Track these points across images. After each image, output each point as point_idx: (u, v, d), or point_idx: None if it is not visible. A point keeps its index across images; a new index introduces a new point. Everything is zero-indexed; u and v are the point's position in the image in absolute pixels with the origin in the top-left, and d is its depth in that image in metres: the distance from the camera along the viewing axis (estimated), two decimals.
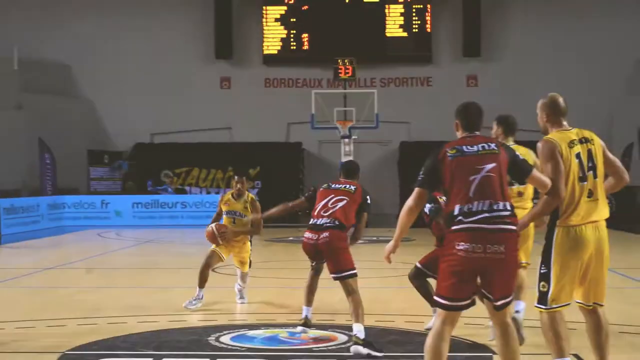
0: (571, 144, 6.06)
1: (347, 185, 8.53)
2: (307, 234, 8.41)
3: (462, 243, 5.48)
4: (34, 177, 29.24)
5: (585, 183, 6.03)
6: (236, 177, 11.26)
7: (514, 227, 5.59)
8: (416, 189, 5.80)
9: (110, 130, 33.40)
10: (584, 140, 6.12)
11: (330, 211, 8.39)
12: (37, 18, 32.89)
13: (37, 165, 29.18)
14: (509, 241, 5.53)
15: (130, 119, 32.60)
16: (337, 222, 8.35)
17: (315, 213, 8.47)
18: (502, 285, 5.61)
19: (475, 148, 5.74)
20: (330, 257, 8.30)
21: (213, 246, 10.67)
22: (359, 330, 7.93)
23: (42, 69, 32.65)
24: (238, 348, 8.11)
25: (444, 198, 7.99)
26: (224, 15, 33.28)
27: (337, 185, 8.64)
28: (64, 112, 31.99)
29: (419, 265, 8.89)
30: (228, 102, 32.97)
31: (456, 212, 5.56)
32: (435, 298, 5.68)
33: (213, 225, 10.63)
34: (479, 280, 5.58)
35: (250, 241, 11.34)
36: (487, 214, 5.52)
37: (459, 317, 5.68)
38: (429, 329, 8.76)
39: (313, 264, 8.61)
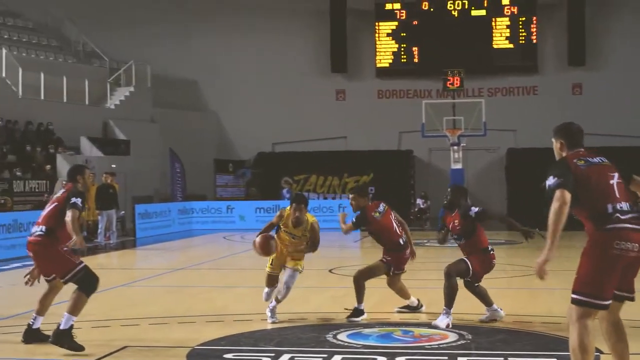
0: None
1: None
2: None
3: (623, 242, 5.36)
4: (166, 185, 29.94)
5: None
6: (294, 205, 9.44)
7: None
8: (560, 191, 5.45)
9: (235, 140, 33.96)
10: None
11: None
12: (167, 40, 33.73)
13: (169, 174, 29.87)
14: None
15: (252, 129, 33.07)
16: None
17: None
18: (633, 281, 5.61)
19: (596, 159, 5.69)
20: None
21: (268, 268, 9.64)
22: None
23: (172, 85, 33.48)
24: (354, 345, 8.10)
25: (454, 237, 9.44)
26: (339, 31, 33.45)
27: None
28: (192, 125, 32.70)
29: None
30: (343, 113, 33.10)
31: (610, 210, 5.43)
32: (581, 297, 5.42)
33: (259, 237, 9.25)
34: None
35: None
36: (631, 215, 5.46)
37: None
38: (483, 321, 9.12)
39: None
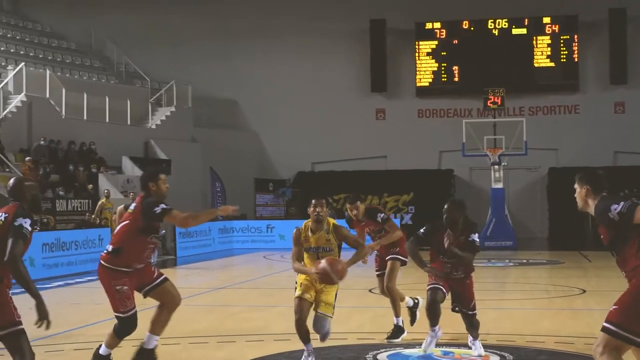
0: None
1: None
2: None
3: None
4: (206, 204, 30.09)
5: None
6: (314, 201, 8.05)
7: None
8: None
9: (275, 159, 34.08)
10: None
11: None
12: (208, 60, 34.03)
13: (209, 193, 30.03)
14: None
15: (292, 149, 33.17)
16: None
17: None
18: None
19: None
20: None
21: (297, 292, 7.93)
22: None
23: (213, 105, 33.73)
24: None
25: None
26: (379, 51, 33.51)
27: None
28: (233, 144, 32.88)
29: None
30: (383, 132, 33.10)
31: None
32: (617, 329, 5.24)
33: (324, 261, 7.63)
34: None
35: None
36: None
37: None
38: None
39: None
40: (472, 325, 8.46)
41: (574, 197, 5.73)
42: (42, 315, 5.62)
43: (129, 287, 7.25)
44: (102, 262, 7.30)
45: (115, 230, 7.48)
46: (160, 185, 7.37)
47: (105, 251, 7.35)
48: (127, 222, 7.31)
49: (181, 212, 7.16)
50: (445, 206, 8.39)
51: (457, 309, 8.55)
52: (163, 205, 7.10)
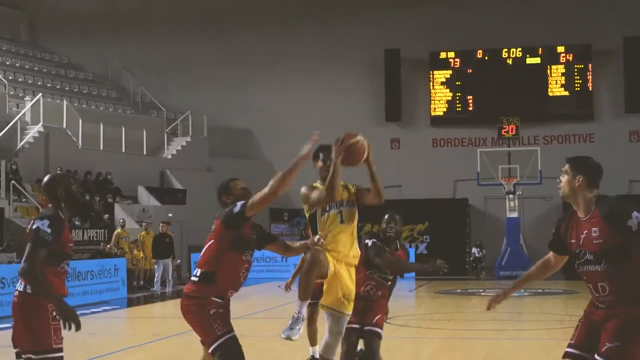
0: None
1: None
2: None
3: None
4: None
5: None
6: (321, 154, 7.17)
7: None
8: None
9: (289, 189, 34.08)
10: None
11: None
12: (223, 90, 34.25)
13: None
14: None
15: (307, 178, 33.07)
16: None
17: None
18: None
19: None
20: None
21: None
22: None
23: (228, 135, 33.87)
24: None
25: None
26: (394, 80, 33.62)
27: None
28: (248, 174, 32.74)
29: None
30: (398, 162, 33.10)
31: None
32: None
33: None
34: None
35: None
36: None
37: None
38: None
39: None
40: (372, 351, 7.32)
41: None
42: (64, 315, 5.32)
43: (224, 311, 6.14)
44: (187, 294, 6.09)
45: (201, 253, 6.32)
46: (235, 193, 6.42)
47: (190, 281, 6.18)
48: (211, 241, 6.22)
49: (263, 189, 5.99)
50: (391, 218, 8.05)
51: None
52: (239, 203, 6.08)
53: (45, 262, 5.31)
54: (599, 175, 5.16)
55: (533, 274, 5.64)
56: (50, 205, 5.51)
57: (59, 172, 25.22)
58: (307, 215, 7.01)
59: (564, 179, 5.21)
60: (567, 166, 5.25)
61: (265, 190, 5.97)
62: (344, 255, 6.66)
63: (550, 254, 5.52)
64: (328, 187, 6.58)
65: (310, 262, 6.34)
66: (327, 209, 6.80)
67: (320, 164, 7.08)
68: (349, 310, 6.68)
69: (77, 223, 23.75)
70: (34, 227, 5.27)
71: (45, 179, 5.68)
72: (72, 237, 5.99)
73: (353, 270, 6.78)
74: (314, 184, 7.01)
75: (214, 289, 6.03)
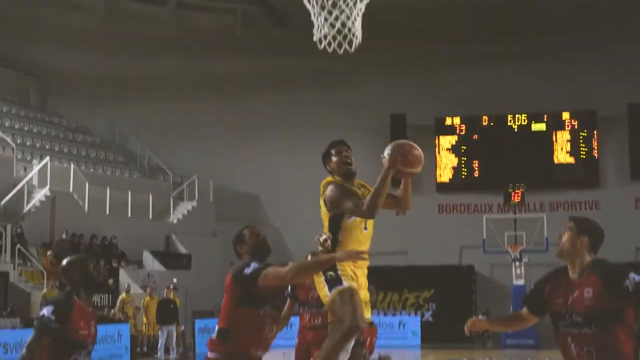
0: None
1: None
2: None
3: None
4: None
5: None
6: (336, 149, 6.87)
7: None
8: None
9: (296, 255, 34.02)
10: None
11: None
12: (230, 154, 34.43)
13: None
14: None
15: (313, 244, 32.98)
16: None
17: None
18: None
19: None
20: None
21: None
22: None
23: (234, 200, 33.96)
24: None
25: None
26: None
27: None
28: None
29: None
30: (403, 228, 33.03)
31: None
32: None
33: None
34: None
35: None
36: None
37: None
38: None
39: None
40: None
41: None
42: None
43: None
44: (210, 353, 5.57)
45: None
46: (247, 241, 5.92)
47: (210, 339, 5.67)
48: (225, 296, 5.70)
49: (282, 267, 5.49)
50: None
51: None
52: (254, 264, 5.53)
53: (53, 352, 5.26)
54: (602, 240, 5.12)
55: (504, 321, 5.66)
56: (68, 288, 5.46)
57: (64, 236, 25.32)
58: (327, 215, 6.36)
59: (566, 236, 5.13)
60: (571, 224, 5.19)
61: (282, 271, 5.46)
62: (364, 261, 6.18)
63: (524, 310, 5.43)
64: (370, 204, 6.03)
65: (348, 331, 5.59)
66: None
67: (335, 158, 6.72)
68: (369, 314, 6.25)
69: None
70: (39, 313, 5.24)
71: (63, 262, 5.63)
72: (94, 325, 5.80)
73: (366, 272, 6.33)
74: (341, 181, 6.47)
75: (231, 347, 5.43)
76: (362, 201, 6.11)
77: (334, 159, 6.69)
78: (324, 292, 5.93)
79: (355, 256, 5.66)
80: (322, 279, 5.99)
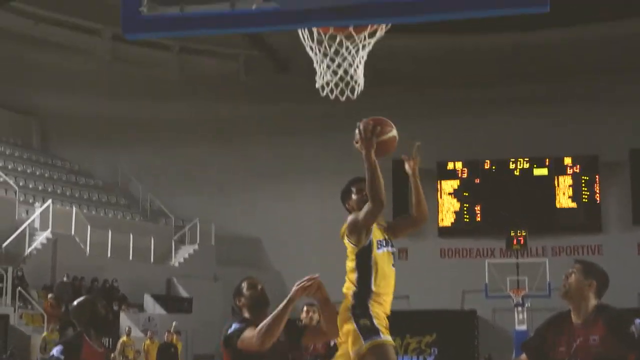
0: None
1: None
2: None
3: None
4: None
5: None
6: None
7: None
8: None
9: (297, 301, 33.94)
10: None
11: None
12: (232, 198, 34.47)
13: None
14: None
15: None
16: None
17: None
18: None
19: None
20: None
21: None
22: None
23: (236, 243, 33.95)
24: None
25: None
26: (401, 191, 33.70)
27: None
28: None
29: None
30: (405, 272, 32.83)
31: None
32: None
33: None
34: None
35: None
36: None
37: None
38: None
39: None
40: None
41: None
42: None
43: None
44: None
45: None
46: (244, 294, 5.73)
47: None
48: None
49: (256, 330, 5.19)
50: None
51: None
52: (235, 325, 5.32)
53: None
54: (607, 285, 5.05)
55: None
56: (72, 329, 5.49)
57: (65, 279, 25.32)
58: (354, 251, 6.03)
59: (573, 277, 5.03)
60: (578, 267, 5.09)
61: (252, 336, 5.17)
62: (389, 302, 5.86)
63: (523, 357, 5.29)
64: (372, 191, 5.96)
65: None
66: (384, 243, 6.01)
67: (355, 196, 6.43)
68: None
69: None
70: (50, 354, 5.23)
71: (74, 303, 5.62)
72: None
73: None
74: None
75: None
76: (374, 205, 5.92)
77: (354, 196, 6.46)
78: (359, 342, 5.56)
79: (309, 287, 5.50)
80: (355, 327, 5.64)
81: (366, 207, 5.94)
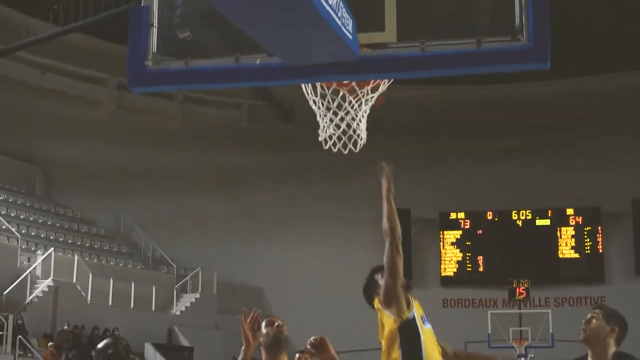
0: None
1: None
2: None
3: None
4: None
5: None
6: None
7: None
8: None
9: (300, 348, 33.77)
10: None
11: None
12: (233, 246, 34.47)
13: None
14: None
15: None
16: None
17: None
18: None
19: None
20: None
21: None
22: None
23: (238, 292, 33.87)
24: None
25: None
26: (404, 240, 33.48)
27: None
28: None
29: None
30: None
31: None
32: None
33: None
34: None
35: None
36: None
37: None
38: None
39: None
40: None
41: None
42: None
43: None
44: None
45: None
46: (263, 332, 5.59)
47: None
48: None
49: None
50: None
51: None
52: None
53: None
54: (626, 334, 4.95)
55: None
56: None
57: (65, 328, 25.23)
58: (395, 325, 5.47)
59: (595, 323, 4.92)
60: (600, 312, 4.99)
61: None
62: None
63: None
64: (389, 223, 5.56)
65: None
66: (427, 318, 5.55)
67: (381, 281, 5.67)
68: None
69: None
70: None
71: (99, 346, 5.28)
72: None
73: None
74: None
75: None
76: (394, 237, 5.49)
77: (381, 281, 5.70)
78: None
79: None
80: None
81: (387, 245, 5.55)
